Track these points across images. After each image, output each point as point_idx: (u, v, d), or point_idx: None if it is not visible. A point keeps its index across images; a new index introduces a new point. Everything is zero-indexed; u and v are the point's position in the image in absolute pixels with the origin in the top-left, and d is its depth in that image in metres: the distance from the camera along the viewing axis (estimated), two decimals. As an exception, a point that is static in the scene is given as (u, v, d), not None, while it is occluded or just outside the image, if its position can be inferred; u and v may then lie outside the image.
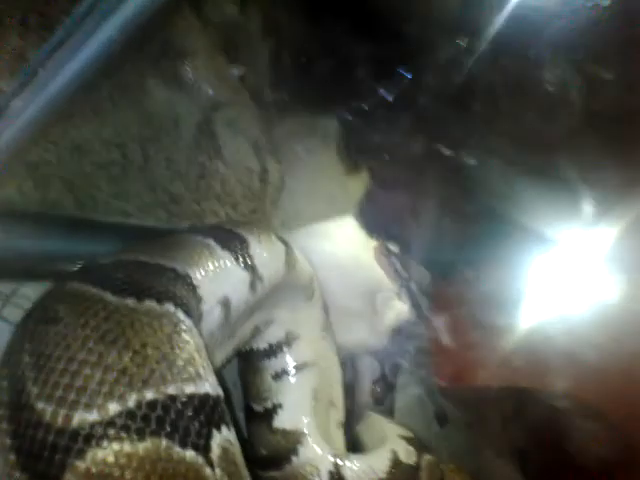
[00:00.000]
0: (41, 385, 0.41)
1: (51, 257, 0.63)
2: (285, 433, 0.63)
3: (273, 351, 0.70)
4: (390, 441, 0.69)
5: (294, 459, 0.61)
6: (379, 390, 0.85)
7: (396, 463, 0.63)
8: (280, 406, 0.66)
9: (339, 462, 0.61)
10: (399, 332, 0.87)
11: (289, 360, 0.69)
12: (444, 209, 1.00)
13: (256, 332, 0.69)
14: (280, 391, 0.67)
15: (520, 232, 0.94)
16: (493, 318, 0.94)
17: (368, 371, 0.85)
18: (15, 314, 0.59)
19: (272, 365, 0.70)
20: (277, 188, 1.17)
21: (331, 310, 0.81)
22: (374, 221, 0.98)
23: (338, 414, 0.71)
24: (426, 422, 0.95)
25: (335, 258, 0.86)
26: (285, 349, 0.70)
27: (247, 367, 0.73)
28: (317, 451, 0.62)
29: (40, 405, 0.40)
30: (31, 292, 0.62)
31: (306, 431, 0.64)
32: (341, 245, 0.89)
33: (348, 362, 0.85)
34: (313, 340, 0.72)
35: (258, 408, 0.68)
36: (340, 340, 0.82)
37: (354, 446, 0.76)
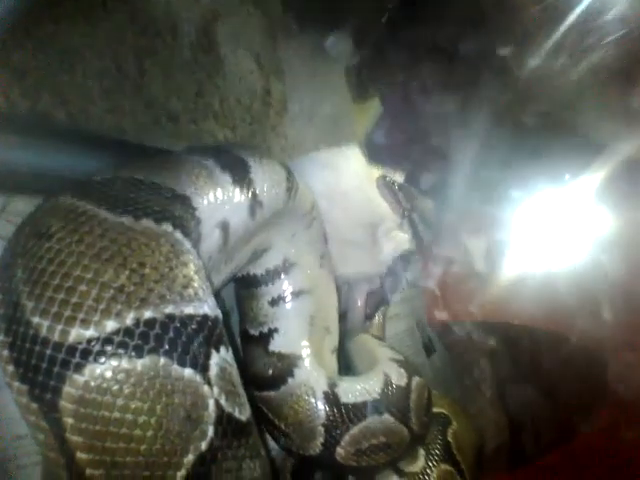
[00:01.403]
0: (36, 300, 0.40)
1: (42, 172, 0.60)
2: (281, 356, 0.64)
3: (270, 277, 0.69)
4: (382, 363, 0.70)
5: (290, 380, 0.62)
6: (371, 305, 0.86)
7: (388, 384, 0.64)
8: (276, 330, 0.67)
9: (334, 383, 0.63)
10: (397, 263, 0.87)
11: (286, 287, 0.69)
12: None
13: (254, 258, 0.69)
14: (276, 316, 0.68)
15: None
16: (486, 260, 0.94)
17: (363, 293, 0.86)
18: (6, 229, 0.58)
19: (269, 291, 0.69)
20: (279, 112, 1.12)
21: (331, 240, 0.80)
22: (381, 150, 0.95)
23: (332, 340, 0.72)
24: (414, 351, 0.97)
25: (337, 188, 0.83)
26: (282, 276, 0.69)
27: (244, 293, 0.73)
28: (312, 373, 0.63)
29: (36, 319, 0.39)
30: (22, 207, 0.59)
31: (301, 355, 0.65)
32: (344, 175, 0.87)
33: (344, 287, 0.85)
34: (310, 268, 0.72)
35: (254, 332, 0.68)
36: (339, 270, 0.82)
37: (346, 367, 0.78)
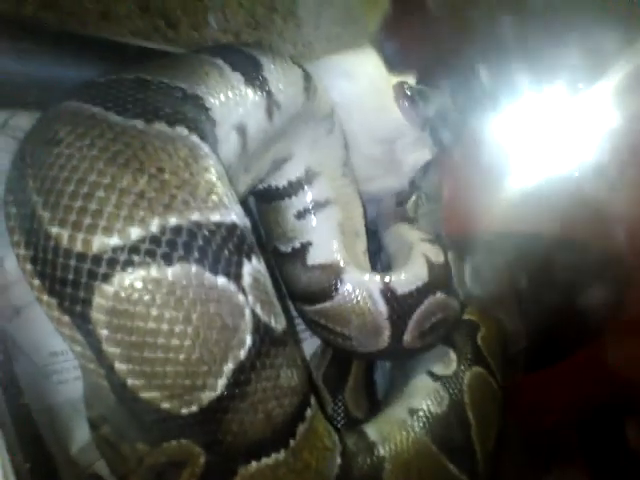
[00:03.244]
0: (52, 209, 0.37)
1: (41, 83, 0.56)
2: (323, 267, 0.63)
3: (294, 189, 0.66)
4: (417, 246, 0.69)
5: (342, 288, 0.61)
6: (402, 206, 0.83)
7: (430, 265, 0.65)
8: (310, 244, 0.65)
9: (385, 279, 0.61)
10: (419, 175, 0.83)
11: (311, 198, 0.66)
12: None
13: (274, 168, 0.65)
14: (306, 229, 0.65)
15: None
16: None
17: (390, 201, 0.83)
18: (9, 145, 0.54)
19: (293, 204, 0.66)
20: (284, 16, 1.03)
21: (350, 153, 0.75)
22: (393, 50, 0.87)
23: (363, 243, 0.71)
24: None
25: (353, 98, 0.77)
26: (306, 186, 0.66)
27: (267, 208, 0.69)
28: (361, 276, 0.62)
29: (55, 230, 0.36)
30: (24, 122, 0.56)
31: (342, 261, 0.63)
32: (360, 83, 0.80)
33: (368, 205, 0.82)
34: (334, 176, 0.68)
35: (285, 249, 0.66)
36: (360, 186, 0.78)
37: (384, 264, 0.78)
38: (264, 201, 0.69)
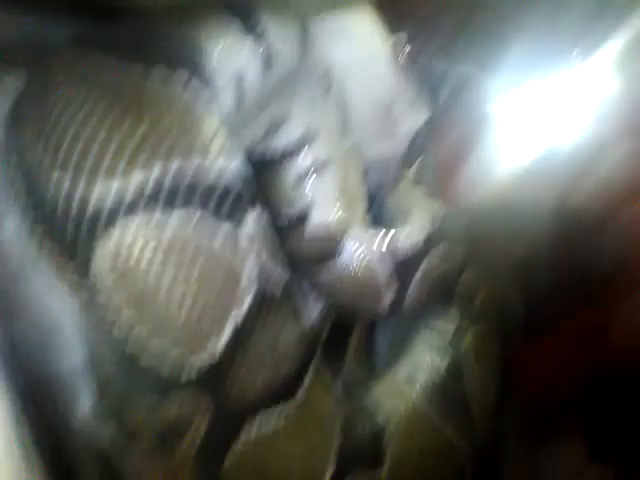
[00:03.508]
0: (51, 154, 0.36)
1: (30, 41, 0.54)
2: (325, 228, 0.62)
3: (292, 152, 0.65)
4: (419, 202, 0.69)
5: (346, 248, 0.59)
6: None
7: (432, 218, 0.64)
8: (310, 207, 0.63)
9: (389, 235, 0.60)
10: (417, 136, 0.82)
11: (310, 160, 0.64)
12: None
13: (272, 129, 0.63)
14: (306, 191, 0.64)
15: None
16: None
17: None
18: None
19: (293, 166, 0.65)
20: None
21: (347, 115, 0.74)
22: (390, 10, 0.86)
23: (362, 206, 0.69)
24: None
25: (350, 59, 0.76)
26: (305, 149, 0.64)
27: (265, 174, 0.68)
28: (365, 234, 0.60)
29: (55, 174, 0.36)
30: (15, 83, 0.54)
31: (345, 222, 0.62)
32: (356, 44, 0.78)
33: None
34: (332, 138, 0.67)
35: (287, 212, 0.65)
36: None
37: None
38: (261, 167, 0.68)
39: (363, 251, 0.59)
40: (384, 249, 0.59)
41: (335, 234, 0.60)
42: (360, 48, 0.77)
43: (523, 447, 0.80)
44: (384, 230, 0.62)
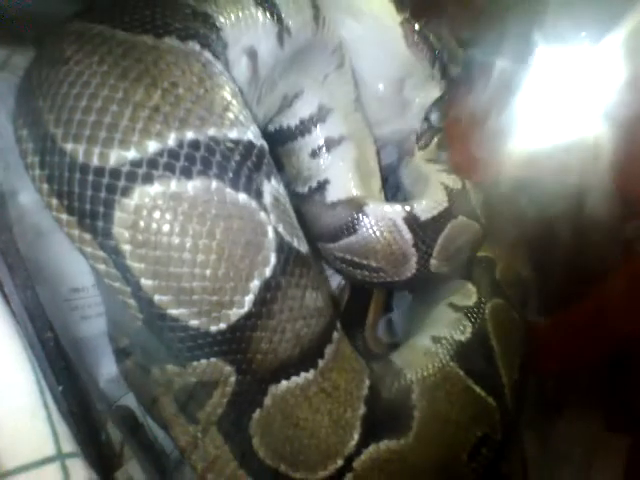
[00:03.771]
0: (65, 126, 0.36)
1: (37, 18, 0.54)
2: (344, 203, 0.62)
3: (307, 127, 0.64)
4: (435, 175, 0.70)
5: (365, 220, 0.61)
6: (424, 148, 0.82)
7: (449, 191, 0.66)
8: (327, 181, 0.64)
9: (407, 208, 0.61)
10: (430, 112, 0.81)
11: (325, 134, 0.64)
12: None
13: (285, 104, 0.63)
14: (322, 167, 0.64)
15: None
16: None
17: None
18: (13, 85, 0.52)
19: (307, 142, 0.65)
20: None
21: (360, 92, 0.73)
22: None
23: (378, 182, 0.70)
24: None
25: (361, 36, 0.74)
26: (319, 124, 0.64)
27: (280, 151, 0.68)
28: (383, 207, 0.62)
29: (69, 146, 0.35)
30: (24, 61, 0.53)
31: (362, 195, 0.63)
32: (367, 21, 0.76)
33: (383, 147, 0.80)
34: (347, 112, 0.66)
35: (302, 190, 0.65)
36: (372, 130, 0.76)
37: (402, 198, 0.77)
38: (278, 143, 0.67)
39: (384, 223, 0.60)
40: (404, 220, 0.60)
41: (353, 207, 0.61)
42: (371, 26, 0.76)
43: (543, 416, 0.79)
44: (404, 202, 0.63)
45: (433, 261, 0.62)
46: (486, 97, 0.91)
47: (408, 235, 0.60)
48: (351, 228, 0.61)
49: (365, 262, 0.62)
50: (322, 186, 0.64)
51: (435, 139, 0.80)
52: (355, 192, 0.63)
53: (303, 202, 0.65)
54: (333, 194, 0.63)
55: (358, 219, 0.60)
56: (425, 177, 0.70)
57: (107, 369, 0.47)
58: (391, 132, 0.80)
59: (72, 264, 0.43)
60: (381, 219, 0.60)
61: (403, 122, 0.80)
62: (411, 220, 0.60)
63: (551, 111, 0.85)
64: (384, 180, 0.76)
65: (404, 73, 0.77)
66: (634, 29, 0.74)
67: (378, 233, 0.60)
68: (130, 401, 0.46)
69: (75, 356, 0.44)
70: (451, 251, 0.63)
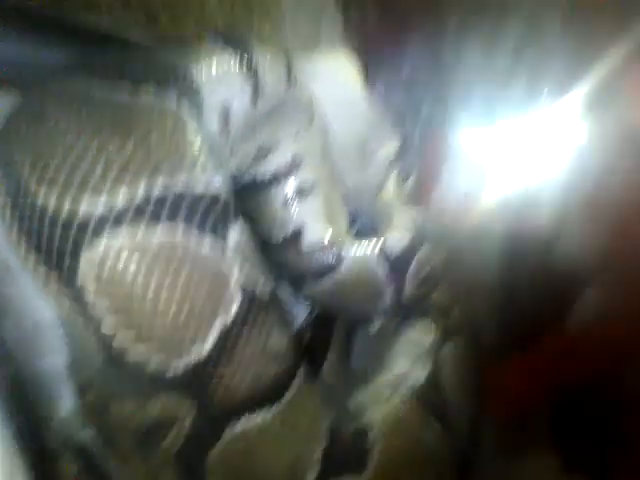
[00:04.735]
0: (40, 171, 0.37)
1: (21, 63, 0.56)
2: (320, 247, 0.65)
3: (280, 177, 0.67)
4: (397, 208, 0.75)
5: (344, 261, 0.64)
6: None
7: (413, 222, 0.70)
8: (301, 228, 0.66)
9: (379, 244, 0.65)
10: (390, 167, 0.87)
11: (297, 184, 0.67)
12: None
13: (261, 154, 0.66)
14: (294, 215, 0.67)
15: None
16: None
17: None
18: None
19: (280, 192, 0.67)
20: (261, 13, 1.06)
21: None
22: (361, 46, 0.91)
23: (345, 221, 0.73)
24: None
25: (328, 97, 0.79)
26: (293, 174, 0.67)
27: (253, 195, 0.70)
28: (358, 247, 0.65)
29: (42, 190, 0.37)
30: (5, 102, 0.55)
31: (337, 238, 0.66)
32: (334, 83, 0.82)
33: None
34: (317, 162, 0.69)
35: (278, 237, 0.68)
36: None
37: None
38: (248, 192, 0.70)
39: (361, 260, 0.64)
40: (378, 255, 0.64)
41: (331, 250, 0.64)
42: (338, 85, 0.81)
43: (499, 458, 0.80)
44: (375, 238, 0.66)
45: (406, 290, 0.66)
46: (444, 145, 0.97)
47: (384, 268, 0.64)
48: (331, 270, 0.64)
49: (346, 298, 0.66)
50: (297, 233, 0.66)
51: (397, 178, 0.85)
52: (327, 236, 0.66)
53: (279, 249, 0.68)
54: (309, 240, 0.66)
55: (337, 260, 0.64)
56: (390, 211, 0.75)
57: (65, 403, 0.47)
58: (355, 183, 0.85)
59: (38, 298, 0.44)
60: (359, 259, 0.64)
61: (366, 175, 0.85)
62: (384, 255, 0.64)
63: (514, 163, 0.90)
64: (351, 219, 0.80)
65: (368, 130, 0.82)
66: (594, 88, 0.80)
67: (357, 272, 0.64)
68: (87, 436, 0.46)
69: (34, 390, 0.44)
70: (420, 279, 0.67)
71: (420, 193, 0.96)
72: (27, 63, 0.56)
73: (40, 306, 0.40)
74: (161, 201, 0.38)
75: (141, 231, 0.37)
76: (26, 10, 0.59)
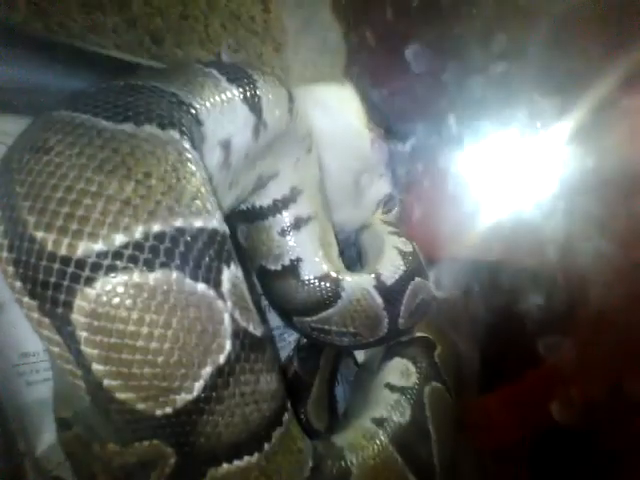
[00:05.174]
0: (38, 214, 0.38)
1: (29, 89, 0.57)
2: (318, 279, 0.67)
3: (279, 207, 0.68)
4: (387, 239, 0.77)
5: (342, 294, 0.66)
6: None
7: (404, 254, 0.73)
8: (299, 259, 0.68)
9: (374, 276, 0.68)
10: (380, 206, 0.88)
11: (295, 214, 0.68)
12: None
13: (259, 185, 0.66)
14: (291, 245, 0.68)
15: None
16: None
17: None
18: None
19: (278, 221, 0.69)
20: (264, 40, 1.07)
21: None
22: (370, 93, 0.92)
23: (336, 251, 0.75)
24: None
25: (327, 129, 0.79)
26: (291, 204, 0.68)
27: (251, 228, 0.71)
28: (356, 279, 0.68)
29: (40, 234, 0.37)
30: (11, 127, 0.56)
31: (334, 270, 0.68)
32: (336, 116, 0.82)
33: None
34: (314, 193, 0.71)
35: (274, 267, 0.69)
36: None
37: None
38: (247, 221, 0.71)
39: (359, 293, 0.67)
40: (374, 287, 0.67)
41: (329, 282, 0.67)
42: (338, 121, 0.81)
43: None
44: (369, 270, 0.70)
45: (401, 320, 0.69)
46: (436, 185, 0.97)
47: (379, 300, 0.67)
48: (330, 301, 0.66)
49: (344, 330, 0.68)
50: (295, 264, 0.68)
51: (393, 211, 0.87)
52: (326, 267, 0.68)
53: (276, 279, 0.69)
54: (307, 271, 0.68)
55: (336, 293, 0.66)
56: (380, 241, 0.77)
57: (47, 437, 0.47)
58: (344, 218, 0.86)
59: (27, 330, 0.44)
60: (357, 291, 0.66)
61: (356, 209, 0.86)
62: (380, 286, 0.67)
63: (506, 193, 0.90)
64: (341, 250, 0.81)
65: (362, 168, 0.83)
66: (584, 119, 0.81)
67: (355, 303, 0.66)
68: (66, 472, 0.46)
69: (17, 422, 0.44)
70: (413, 308, 0.71)
71: (409, 224, 0.97)
72: (33, 88, 0.57)
73: (28, 336, 0.40)
74: (156, 247, 0.38)
75: (134, 278, 0.37)
76: (30, 33, 0.60)
